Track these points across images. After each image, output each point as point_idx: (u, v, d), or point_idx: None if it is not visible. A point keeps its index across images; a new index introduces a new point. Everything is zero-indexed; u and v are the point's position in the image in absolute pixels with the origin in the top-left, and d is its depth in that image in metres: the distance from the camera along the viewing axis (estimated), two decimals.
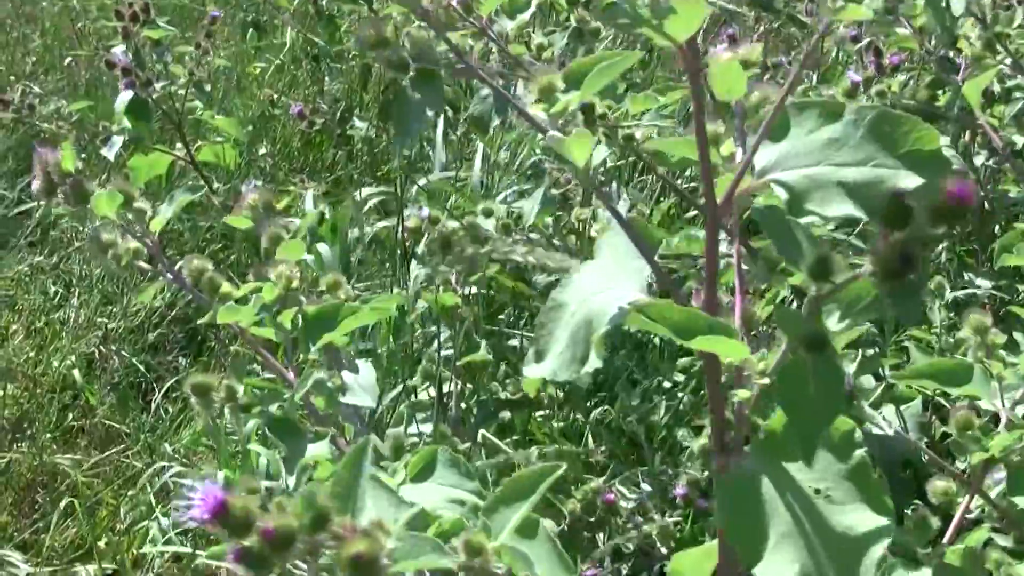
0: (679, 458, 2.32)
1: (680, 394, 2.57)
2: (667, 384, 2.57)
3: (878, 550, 1.04)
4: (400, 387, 2.30)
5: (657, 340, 2.65)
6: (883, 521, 1.07)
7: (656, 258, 1.16)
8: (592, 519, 2.21)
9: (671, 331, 1.06)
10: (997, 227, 2.93)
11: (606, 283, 1.12)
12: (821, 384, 1.00)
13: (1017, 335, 1.57)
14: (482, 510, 1.11)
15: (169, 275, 1.64)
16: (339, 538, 1.01)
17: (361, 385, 1.63)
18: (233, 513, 0.96)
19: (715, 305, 1.13)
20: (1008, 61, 2.29)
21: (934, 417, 2.30)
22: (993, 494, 1.57)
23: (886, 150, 0.99)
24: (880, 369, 2.40)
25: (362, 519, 1.02)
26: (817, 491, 1.11)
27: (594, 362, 1.06)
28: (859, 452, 1.11)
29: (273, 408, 1.48)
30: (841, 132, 1.04)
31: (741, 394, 1.21)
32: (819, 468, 1.12)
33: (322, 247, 2.90)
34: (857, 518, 1.09)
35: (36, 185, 1.59)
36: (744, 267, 1.26)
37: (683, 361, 2.62)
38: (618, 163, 3.07)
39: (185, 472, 2.87)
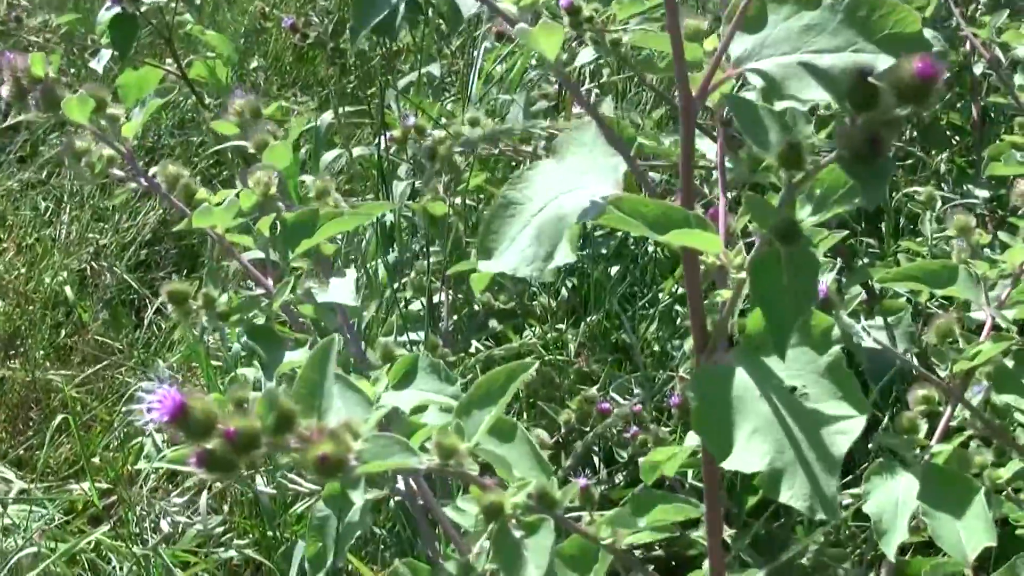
0: (672, 369, 2.30)
1: (676, 307, 2.55)
2: (663, 296, 2.55)
3: (848, 440, 1.03)
4: (390, 297, 2.28)
5: (652, 250, 2.62)
6: (857, 416, 1.06)
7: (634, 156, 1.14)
8: (587, 429, 2.20)
9: (645, 225, 1.03)
10: (996, 139, 2.89)
11: (577, 181, 1.08)
12: (794, 275, 0.98)
13: (1003, 235, 1.55)
14: (455, 411, 1.09)
15: (143, 181, 1.61)
16: (305, 440, 0.99)
17: (341, 286, 1.61)
18: (193, 415, 0.94)
19: (691, 201, 1.10)
20: None
21: (925, 328, 2.27)
22: (975, 403, 1.55)
23: (864, 35, 0.96)
24: (870, 280, 2.37)
25: (329, 420, 1.01)
26: (793, 389, 1.09)
27: (565, 257, 1.03)
28: (836, 348, 1.09)
29: (253, 317, 1.46)
30: (819, 18, 1.00)
31: (724, 294, 1.19)
32: (796, 366, 1.10)
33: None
34: (832, 414, 1.07)
35: (5, 91, 1.56)
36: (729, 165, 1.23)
37: (679, 273, 2.59)
38: (613, 77, 3.03)
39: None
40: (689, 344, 1.92)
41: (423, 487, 1.45)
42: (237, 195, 1.52)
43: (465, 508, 1.09)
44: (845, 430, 1.06)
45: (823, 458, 1.04)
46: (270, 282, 1.54)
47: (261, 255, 1.63)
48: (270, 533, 2.48)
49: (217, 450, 0.94)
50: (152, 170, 1.61)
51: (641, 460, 1.28)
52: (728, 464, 1.06)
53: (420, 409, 1.37)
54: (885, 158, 0.87)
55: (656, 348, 2.41)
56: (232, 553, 2.43)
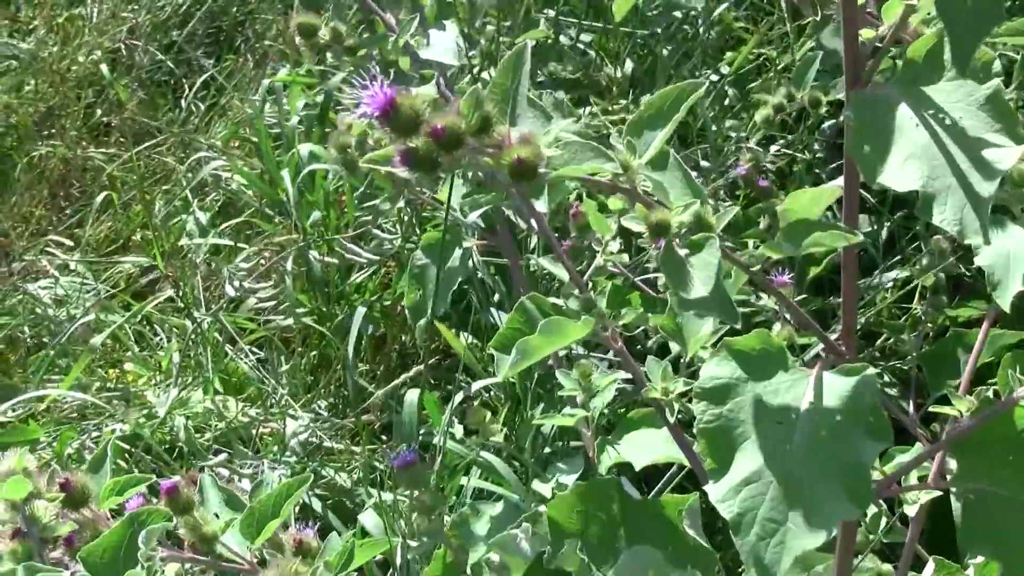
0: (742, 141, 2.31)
1: (728, 89, 2.56)
2: (714, 77, 2.56)
3: (1004, 168, 1.06)
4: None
5: (702, 30, 2.62)
6: (1013, 146, 1.08)
7: None
8: None
9: None
10: None
11: None
12: None
13: None
14: (625, 130, 1.10)
15: None
16: (499, 146, 1.01)
17: (442, 42, 1.61)
18: (402, 111, 0.96)
19: None
20: None
21: None
22: None
23: None
24: None
25: (517, 131, 1.02)
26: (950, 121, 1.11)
27: None
28: (996, 81, 1.11)
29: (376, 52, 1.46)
30: None
31: (866, 33, 1.21)
32: (955, 97, 1.12)
33: None
34: (990, 144, 1.10)
35: None
36: None
37: (729, 55, 2.60)
38: None
39: (224, 165, 2.86)
40: (762, 113, 1.93)
41: (543, 224, 1.47)
42: None
43: (632, 226, 1.11)
44: (1000, 158, 1.09)
45: (976, 184, 1.07)
46: (391, 18, 1.53)
47: None
48: (324, 308, 2.51)
49: (421, 148, 0.96)
50: None
51: (778, 208, 1.30)
52: (882, 179, 1.09)
53: None
54: None
55: (713, 128, 2.42)
56: (290, 321, 2.47)
